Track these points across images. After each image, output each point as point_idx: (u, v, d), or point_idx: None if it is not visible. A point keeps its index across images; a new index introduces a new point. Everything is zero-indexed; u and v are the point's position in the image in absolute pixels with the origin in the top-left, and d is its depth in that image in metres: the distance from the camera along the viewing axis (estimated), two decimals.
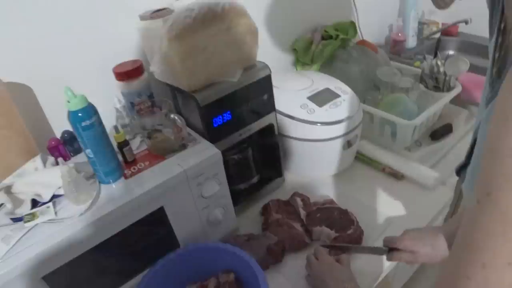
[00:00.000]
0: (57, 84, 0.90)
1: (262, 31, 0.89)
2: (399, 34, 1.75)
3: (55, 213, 0.73)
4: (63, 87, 0.75)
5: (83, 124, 0.70)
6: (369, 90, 1.34)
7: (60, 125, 0.95)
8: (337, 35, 1.36)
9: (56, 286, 0.71)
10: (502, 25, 0.49)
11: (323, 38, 1.39)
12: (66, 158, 0.87)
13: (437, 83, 1.32)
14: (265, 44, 0.92)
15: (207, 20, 0.79)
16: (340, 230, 0.92)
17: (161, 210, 0.79)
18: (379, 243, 0.88)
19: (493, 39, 0.51)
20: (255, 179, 1.10)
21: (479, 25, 1.76)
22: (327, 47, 1.33)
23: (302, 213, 0.97)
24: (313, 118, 1.03)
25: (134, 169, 0.80)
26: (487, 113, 0.49)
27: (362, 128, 1.13)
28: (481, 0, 1.69)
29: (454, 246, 0.42)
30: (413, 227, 0.86)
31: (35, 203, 0.75)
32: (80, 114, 0.69)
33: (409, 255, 0.81)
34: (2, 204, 0.76)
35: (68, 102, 0.69)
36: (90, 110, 0.70)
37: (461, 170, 0.63)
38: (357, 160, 1.21)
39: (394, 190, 1.08)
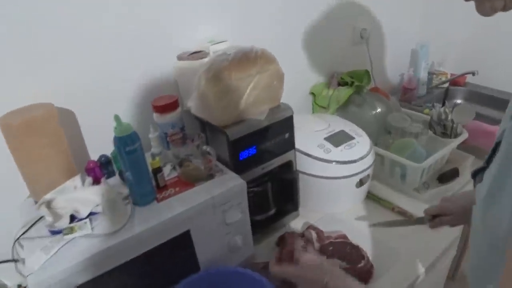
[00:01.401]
0: (98, 112, 1.00)
1: (285, 75, 0.99)
2: (410, 83, 1.84)
3: (92, 229, 0.78)
4: (104, 115, 0.84)
5: (127, 149, 0.77)
6: (380, 134, 1.42)
7: (95, 149, 1.04)
8: (352, 82, 1.45)
9: None
10: None
11: (339, 84, 1.49)
12: (100, 180, 0.95)
13: (445, 129, 1.40)
14: (286, 87, 1.01)
15: (241, 64, 0.89)
16: (352, 263, 0.97)
17: (187, 233, 0.84)
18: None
19: None
20: (271, 212, 1.16)
21: (485, 76, 1.88)
22: (343, 92, 1.43)
23: (316, 245, 1.02)
24: (329, 157, 1.11)
25: (165, 193, 0.87)
26: None
27: (373, 169, 1.20)
28: (488, 54, 1.82)
29: None
30: (421, 263, 0.94)
31: (72, 218, 0.81)
32: (125, 140, 0.77)
33: (447, 218, 0.93)
34: (42, 217, 0.82)
35: (116, 128, 0.77)
36: (134, 137, 0.78)
37: (477, 174, 0.69)
38: (368, 199, 1.27)
39: (403, 228, 1.11)
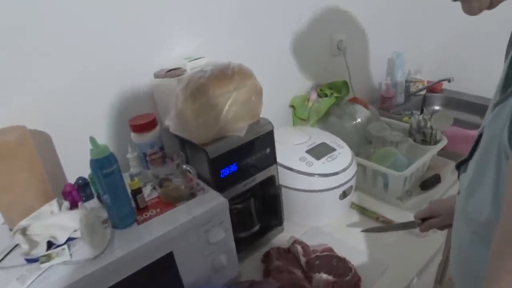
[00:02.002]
0: (74, 133, 0.99)
1: (263, 90, 0.99)
2: (388, 92, 1.86)
3: (70, 255, 0.76)
4: (81, 136, 0.83)
5: (104, 171, 0.76)
6: (361, 144, 1.43)
7: (72, 171, 1.01)
8: (332, 93, 1.46)
9: None
10: None
11: (318, 96, 1.50)
12: (77, 204, 0.92)
13: (424, 136, 1.41)
14: (266, 101, 1.01)
15: (218, 81, 0.88)
16: (339, 276, 0.96)
17: (170, 255, 0.82)
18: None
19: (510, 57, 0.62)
20: (256, 228, 1.15)
21: (460, 83, 1.92)
22: (322, 104, 1.44)
23: (302, 260, 1.01)
24: (312, 170, 1.10)
25: (146, 215, 0.85)
26: (493, 115, 0.57)
27: (356, 180, 1.20)
28: (462, 61, 1.86)
29: (494, 243, 0.49)
30: (409, 271, 0.96)
31: (49, 245, 0.78)
32: (102, 163, 0.75)
33: (436, 220, 0.94)
34: (17, 244, 0.79)
35: (92, 150, 0.75)
36: (111, 159, 0.76)
37: (461, 165, 0.72)
38: (353, 210, 1.27)
39: (388, 238, 1.12)
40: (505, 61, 0.66)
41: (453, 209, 0.89)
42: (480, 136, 0.64)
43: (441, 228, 0.97)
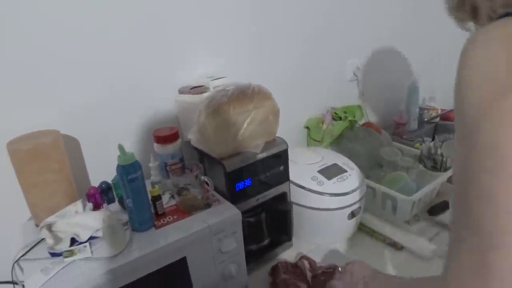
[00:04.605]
0: (101, 141, 1.05)
1: (280, 110, 1.04)
2: (402, 118, 1.89)
3: (91, 252, 0.81)
4: (107, 144, 0.89)
5: (129, 177, 0.82)
6: (372, 167, 1.46)
7: (96, 175, 1.08)
8: (346, 117, 1.51)
9: None
10: None
11: (333, 119, 1.55)
12: (100, 206, 0.98)
13: (434, 163, 1.44)
14: (282, 121, 1.07)
15: (239, 100, 0.94)
16: None
17: (183, 259, 0.87)
18: None
19: None
20: (266, 242, 1.18)
21: None
22: (336, 127, 1.48)
23: (309, 275, 1.04)
24: (322, 189, 1.14)
25: (163, 221, 0.90)
26: None
27: (365, 202, 1.24)
28: None
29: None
30: None
31: (72, 241, 0.84)
32: (128, 169, 0.81)
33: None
34: (43, 239, 0.85)
35: (120, 157, 0.81)
36: (136, 166, 0.82)
37: None
38: (360, 230, 1.30)
39: (393, 260, 1.15)
40: None
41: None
42: None
43: None
